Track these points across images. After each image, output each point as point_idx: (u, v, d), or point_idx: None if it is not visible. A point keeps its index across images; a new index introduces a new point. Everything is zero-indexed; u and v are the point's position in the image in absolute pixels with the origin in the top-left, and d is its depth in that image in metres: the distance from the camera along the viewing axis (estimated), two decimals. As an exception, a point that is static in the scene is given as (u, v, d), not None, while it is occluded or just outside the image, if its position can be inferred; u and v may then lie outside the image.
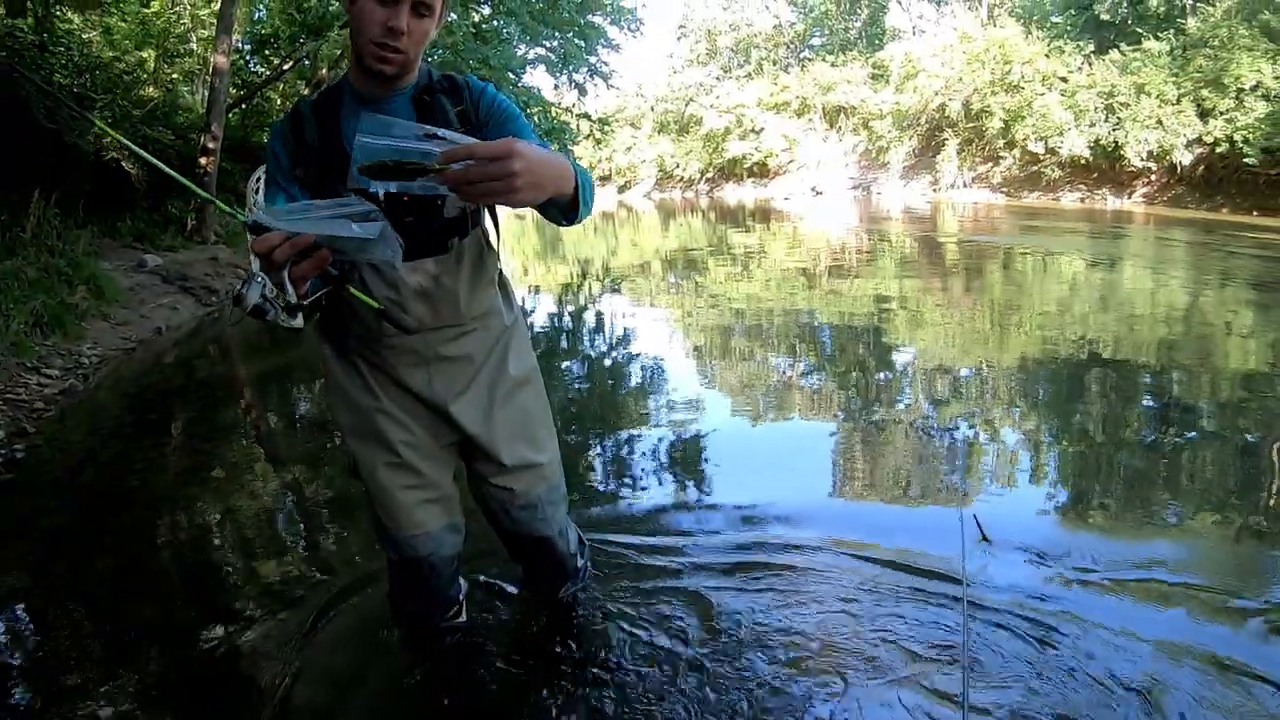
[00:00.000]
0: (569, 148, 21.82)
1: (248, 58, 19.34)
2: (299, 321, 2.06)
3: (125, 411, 5.74)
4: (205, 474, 4.59)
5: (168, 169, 2.25)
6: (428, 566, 2.49)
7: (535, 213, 1.94)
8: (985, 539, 3.53)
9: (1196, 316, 9.04)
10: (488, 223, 2.33)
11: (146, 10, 16.70)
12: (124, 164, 11.45)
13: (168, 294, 8.90)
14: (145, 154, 2.26)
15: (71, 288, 7.50)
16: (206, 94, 13.32)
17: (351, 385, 2.34)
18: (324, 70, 17.49)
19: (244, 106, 17.57)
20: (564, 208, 1.87)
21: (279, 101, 19.01)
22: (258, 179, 2.51)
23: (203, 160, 12.21)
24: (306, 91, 17.39)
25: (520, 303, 2.57)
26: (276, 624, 3.02)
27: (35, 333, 6.54)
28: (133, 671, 2.76)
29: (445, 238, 2.19)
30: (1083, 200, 27.99)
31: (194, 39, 18.35)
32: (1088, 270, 12.75)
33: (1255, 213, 21.17)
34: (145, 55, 16.26)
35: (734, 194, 38.14)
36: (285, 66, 17.94)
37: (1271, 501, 4.07)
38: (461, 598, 2.82)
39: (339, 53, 16.75)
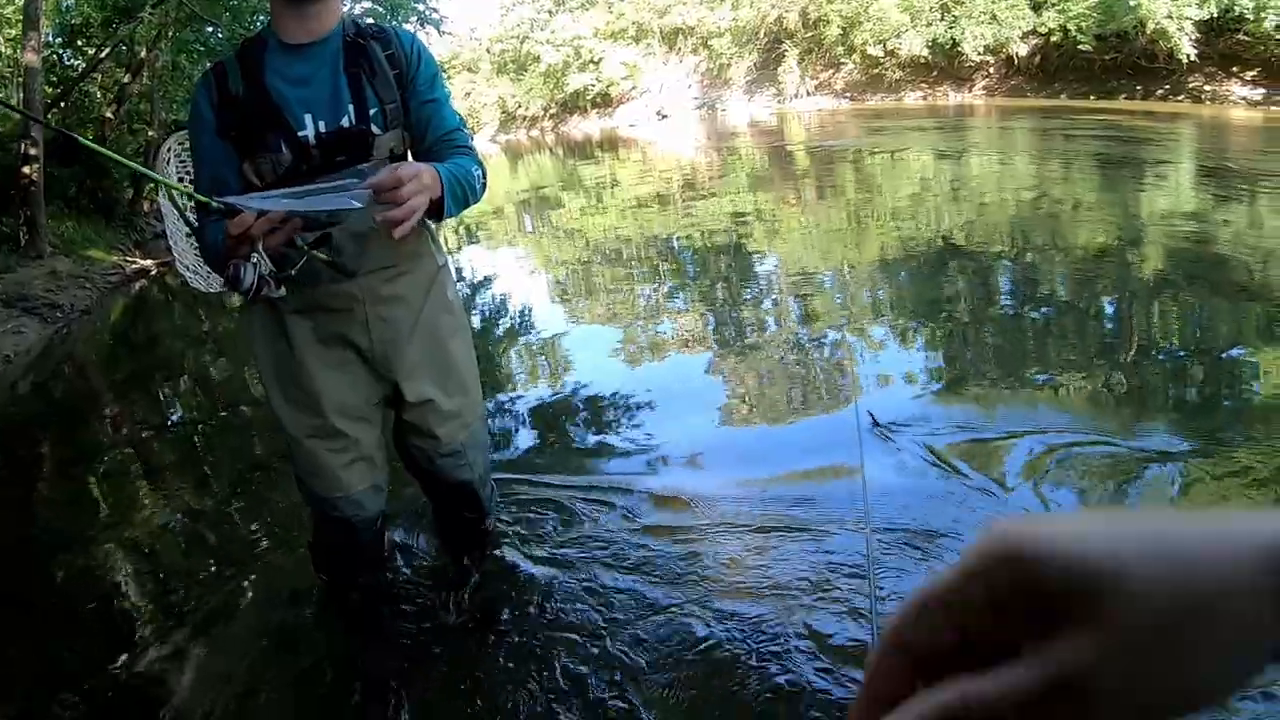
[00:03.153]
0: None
1: (60, 51, 17.61)
2: (283, 290, 2.12)
3: None
4: (83, 498, 4.27)
5: (125, 159, 2.34)
6: (350, 527, 2.54)
7: None
8: (876, 425, 3.65)
9: (1044, 197, 9.09)
10: None
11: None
12: None
13: (9, 318, 8.05)
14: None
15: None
16: (21, 97, 11.93)
17: (280, 347, 2.35)
18: (144, 52, 16.06)
19: (63, 105, 15.96)
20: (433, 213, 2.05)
21: (99, 95, 17.44)
22: (169, 149, 2.41)
23: (26, 169, 10.90)
24: (128, 80, 16.10)
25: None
26: (189, 609, 2.96)
27: None
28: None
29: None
30: (925, 98, 28.37)
31: (0, 39, 16.81)
32: (936, 163, 12.75)
33: (1092, 97, 21.74)
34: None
35: (580, 127, 37.66)
36: (102, 54, 16.47)
37: (1125, 359, 4.33)
38: (386, 555, 2.93)
39: (155, 33, 15.48)
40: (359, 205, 1.81)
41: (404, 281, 2.37)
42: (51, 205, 11.63)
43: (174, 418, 5.61)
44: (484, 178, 2.25)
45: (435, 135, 2.26)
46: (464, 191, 2.14)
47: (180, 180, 2.51)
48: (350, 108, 2.15)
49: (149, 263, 11.25)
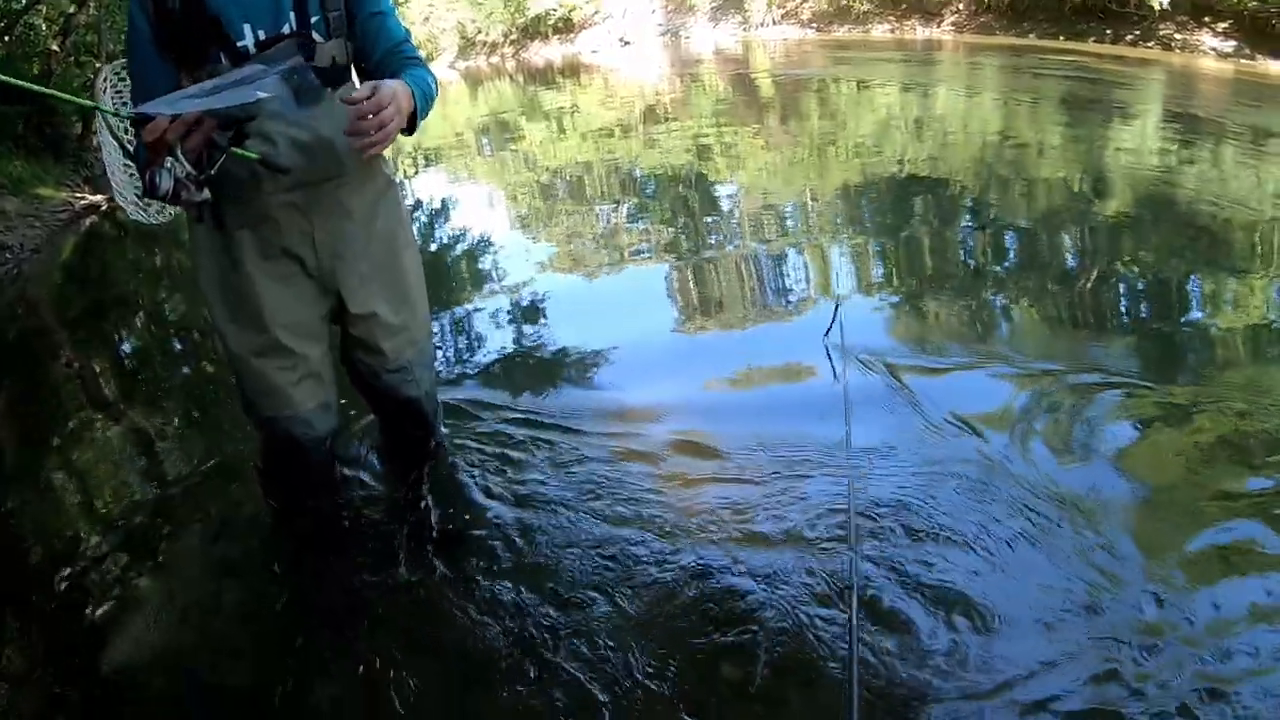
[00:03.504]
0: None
1: None
2: (206, 193, 1.99)
3: None
4: (36, 431, 4.22)
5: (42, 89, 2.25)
6: (300, 447, 2.52)
7: None
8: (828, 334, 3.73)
9: (1009, 134, 9.01)
10: (355, 78, 2.29)
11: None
12: None
13: None
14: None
15: None
16: None
17: (225, 263, 2.30)
18: None
19: (7, 39, 15.25)
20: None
21: (44, 27, 16.62)
22: (105, 78, 2.29)
23: None
24: (74, 11, 15.36)
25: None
26: (135, 539, 2.93)
27: None
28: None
29: (320, 89, 2.15)
30: (892, 31, 28.02)
31: (-63, -29, 15.94)
32: (901, 97, 12.59)
33: (1062, 38, 21.55)
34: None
35: (541, 53, 36.91)
36: None
37: (1082, 288, 4.42)
38: (337, 479, 2.89)
39: None
40: (265, 95, 1.80)
41: (351, 192, 2.34)
42: (1, 145, 11.21)
43: (125, 348, 5.53)
44: (436, 86, 2.24)
45: (385, 47, 2.24)
46: (428, 105, 2.15)
47: (115, 108, 2.47)
48: (291, 15, 2.10)
49: (99, 198, 10.92)
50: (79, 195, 11.16)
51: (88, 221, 9.70)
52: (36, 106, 12.77)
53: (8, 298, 7.12)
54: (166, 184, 1.90)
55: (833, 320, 3.85)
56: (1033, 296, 4.32)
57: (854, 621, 2.09)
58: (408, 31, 2.32)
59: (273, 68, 1.86)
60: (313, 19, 2.12)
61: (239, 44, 2.07)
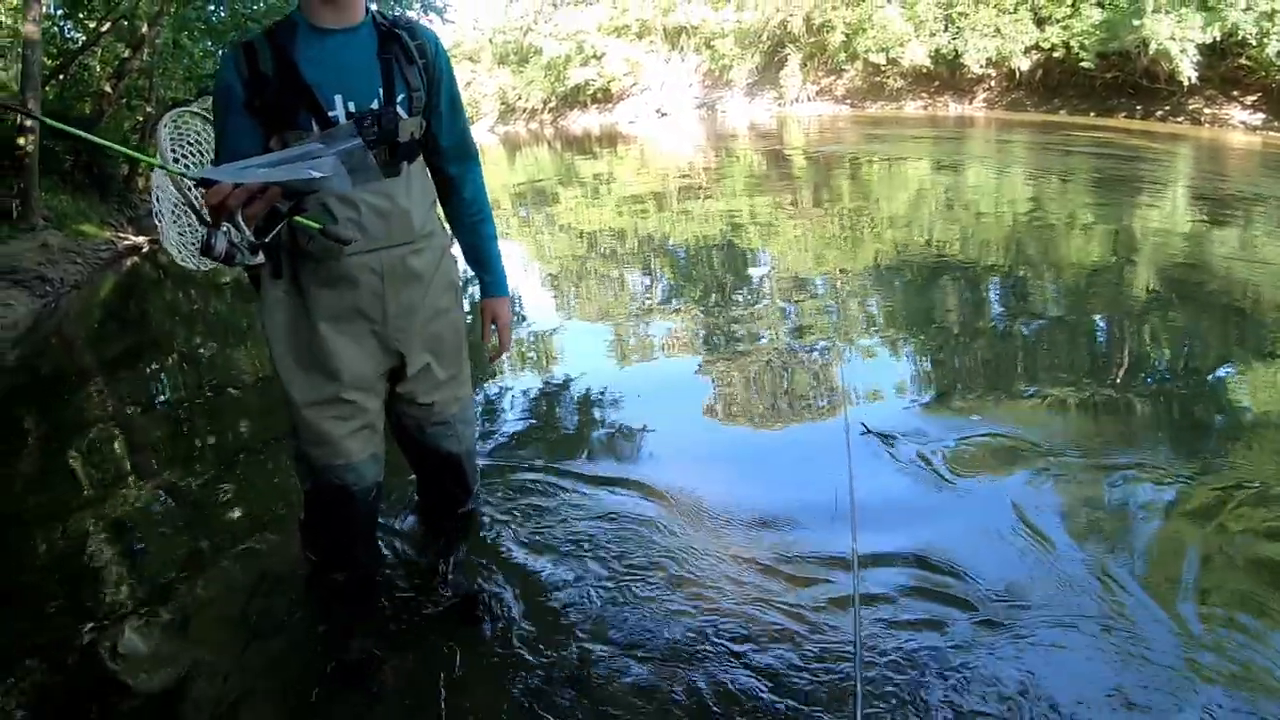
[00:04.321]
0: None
1: (61, 23, 17.32)
2: (261, 257, 2.20)
3: None
4: (64, 470, 4.18)
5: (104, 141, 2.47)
6: (348, 496, 2.56)
7: None
8: (868, 432, 3.69)
9: (1039, 212, 9.08)
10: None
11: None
12: None
13: None
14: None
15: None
16: (19, 68, 11.70)
17: (296, 316, 2.40)
18: (145, 28, 15.78)
19: (61, 78, 15.69)
20: None
21: (99, 69, 17.09)
22: (165, 124, 2.46)
23: (21, 140, 10.69)
24: (129, 55, 15.87)
25: None
26: (166, 590, 2.95)
27: None
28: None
29: (398, 162, 2.34)
30: (925, 108, 28.37)
31: (0, 9, 16.52)
32: (934, 173, 12.75)
33: (1092, 114, 21.76)
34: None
35: (579, 121, 37.57)
36: (103, 29, 16.25)
37: (1115, 375, 4.36)
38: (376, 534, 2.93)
39: (156, 9, 15.25)
40: (319, 175, 1.90)
41: (421, 258, 2.47)
42: (46, 179, 11.51)
43: (160, 396, 5.55)
44: (483, 181, 2.64)
45: (452, 140, 2.50)
46: (499, 254, 2.74)
47: (175, 158, 2.58)
48: (380, 91, 2.27)
49: (141, 240, 11.15)
50: (122, 235, 11.38)
51: (129, 262, 9.86)
52: (86, 144, 13.08)
53: (43, 332, 7.22)
54: (221, 246, 1.99)
55: (859, 429, 3.75)
56: (1055, 381, 4.31)
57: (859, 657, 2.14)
58: (469, 127, 2.58)
59: (330, 147, 1.95)
60: (399, 96, 2.28)
61: (330, 113, 2.20)
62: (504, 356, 2.93)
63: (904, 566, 2.73)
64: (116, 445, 4.54)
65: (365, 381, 2.47)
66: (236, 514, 3.52)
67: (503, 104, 53.14)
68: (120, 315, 7.92)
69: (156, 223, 2.58)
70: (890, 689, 2.23)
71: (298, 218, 2.16)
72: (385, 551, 3.02)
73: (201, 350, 6.52)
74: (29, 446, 4.65)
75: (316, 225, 2.17)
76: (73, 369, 6.36)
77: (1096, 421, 3.86)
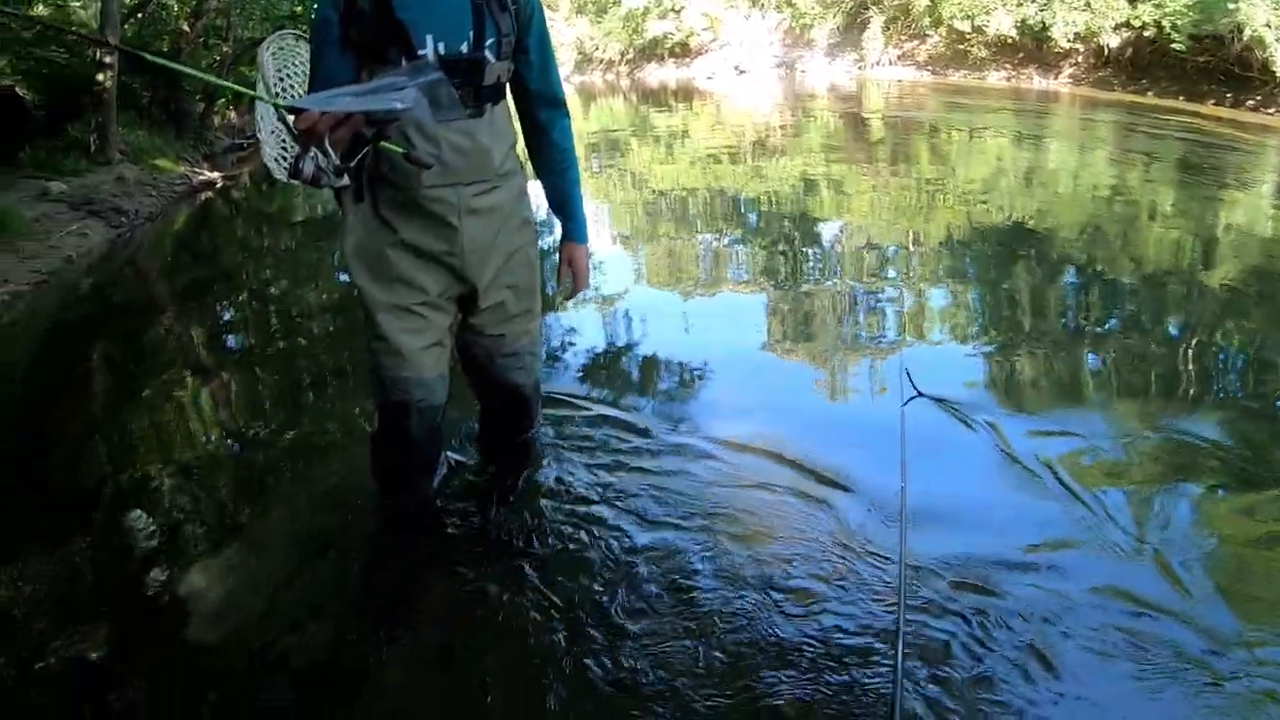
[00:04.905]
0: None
1: None
2: (346, 180, 2.30)
3: (43, 346, 5.35)
4: (134, 395, 4.32)
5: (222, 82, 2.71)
6: (416, 412, 2.63)
7: None
8: (918, 394, 3.71)
9: (1121, 195, 8.94)
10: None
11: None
12: (18, 89, 10.45)
13: (75, 220, 8.18)
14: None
15: (-26, 226, 6.87)
16: (99, 6, 11.93)
17: (375, 237, 2.49)
18: None
19: (140, 16, 15.94)
20: None
21: (177, 7, 17.23)
22: (268, 48, 2.61)
23: (100, 76, 11.00)
24: None
25: None
26: (229, 512, 3.09)
27: (-60, 280, 6.00)
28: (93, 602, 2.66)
29: (483, 104, 2.43)
30: (1009, 79, 27.75)
31: (82, -52, 16.73)
32: (1014, 147, 12.58)
33: (1181, 98, 21.12)
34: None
35: (656, 75, 37.25)
36: None
37: (1183, 368, 4.29)
38: (442, 465, 3.02)
39: None
40: (401, 106, 1.99)
41: (497, 195, 2.55)
42: (124, 114, 11.76)
43: (230, 326, 5.70)
44: (570, 129, 2.72)
45: (540, 86, 2.59)
46: (581, 198, 2.81)
47: (279, 78, 2.67)
48: (470, 34, 2.33)
49: (216, 175, 11.35)
50: (197, 170, 11.60)
51: (203, 196, 10.04)
52: (163, 79, 13.30)
53: (118, 261, 7.44)
54: (309, 169, 2.13)
55: (907, 378, 3.85)
56: (1123, 360, 4.37)
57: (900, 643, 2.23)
58: (558, 75, 2.65)
59: (414, 80, 2.04)
60: (488, 40, 2.35)
61: (420, 53, 2.28)
62: (577, 296, 3.03)
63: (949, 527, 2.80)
64: (185, 371, 4.68)
65: (435, 300, 2.55)
66: (300, 440, 3.63)
67: (580, 54, 52.77)
68: (192, 247, 8.13)
69: (258, 134, 2.68)
70: (931, 635, 2.30)
71: (383, 143, 2.26)
72: (448, 477, 3.10)
73: (271, 283, 6.67)
74: (100, 371, 4.82)
75: (400, 150, 2.25)
76: (145, 297, 6.57)
77: (1132, 404, 3.87)
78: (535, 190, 2.79)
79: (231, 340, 5.34)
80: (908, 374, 3.77)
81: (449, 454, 3.15)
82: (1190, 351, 4.47)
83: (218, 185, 10.57)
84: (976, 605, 2.39)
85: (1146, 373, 4.20)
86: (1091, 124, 15.50)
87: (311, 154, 2.13)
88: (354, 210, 2.50)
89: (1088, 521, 2.81)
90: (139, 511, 3.16)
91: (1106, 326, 4.93)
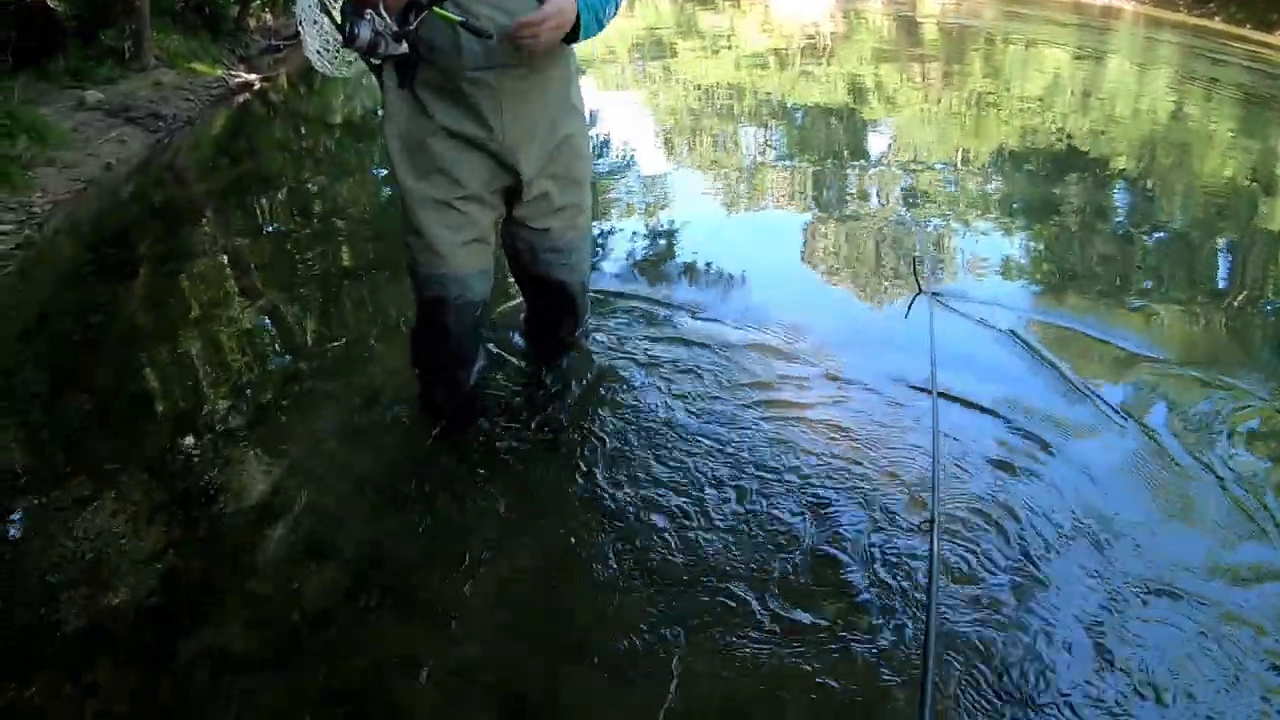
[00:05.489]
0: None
1: None
2: (404, 47, 2.16)
3: (85, 251, 5.26)
4: (176, 298, 4.28)
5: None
6: (453, 308, 2.61)
7: None
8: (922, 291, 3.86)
9: (1178, 119, 8.70)
10: None
11: None
12: (49, 1, 10.20)
13: (113, 128, 7.98)
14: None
15: (12, 139, 6.72)
16: None
17: (416, 123, 2.42)
18: None
19: None
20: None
21: None
22: None
23: None
24: None
25: None
26: (267, 402, 3.10)
27: (-20, 191, 5.95)
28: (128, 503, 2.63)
29: None
30: (1070, -8, 26.90)
31: None
32: (1072, 62, 12.19)
33: (1248, 25, 20.31)
34: None
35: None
36: None
37: (1223, 290, 4.41)
38: (480, 357, 3.02)
39: None
40: None
41: (540, 79, 2.44)
42: (158, 19, 11.55)
43: (269, 226, 5.67)
44: (616, 7, 2.46)
45: None
46: (600, 16, 2.36)
47: None
48: None
49: (253, 77, 11.18)
50: (233, 73, 11.46)
51: (240, 99, 9.97)
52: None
53: (157, 166, 7.39)
54: (366, 34, 2.03)
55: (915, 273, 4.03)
56: (1172, 297, 4.27)
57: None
58: None
59: None
60: None
61: None
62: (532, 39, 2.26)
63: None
64: (225, 270, 4.66)
65: (476, 193, 2.50)
66: (339, 335, 3.64)
67: (628, -57, 51.47)
68: (230, 150, 8.02)
69: (299, 29, 2.58)
70: (962, 539, 2.35)
71: (437, 9, 2.14)
72: (491, 370, 3.10)
73: (309, 184, 6.59)
74: (143, 272, 4.77)
75: (457, 18, 2.15)
76: (185, 200, 6.50)
77: (1185, 336, 3.88)
78: (586, 80, 2.70)
79: (270, 238, 5.29)
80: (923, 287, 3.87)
81: (490, 346, 3.15)
82: (1237, 279, 4.49)
83: (255, 87, 10.45)
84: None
85: (1184, 307, 4.14)
86: (1154, 43, 14.99)
87: (368, 17, 2.03)
88: (395, 95, 2.42)
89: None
90: (181, 401, 3.19)
91: (1148, 260, 4.85)
